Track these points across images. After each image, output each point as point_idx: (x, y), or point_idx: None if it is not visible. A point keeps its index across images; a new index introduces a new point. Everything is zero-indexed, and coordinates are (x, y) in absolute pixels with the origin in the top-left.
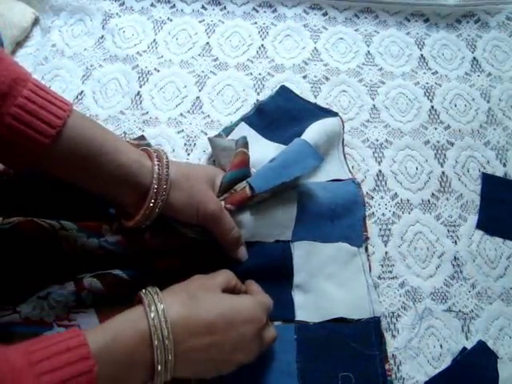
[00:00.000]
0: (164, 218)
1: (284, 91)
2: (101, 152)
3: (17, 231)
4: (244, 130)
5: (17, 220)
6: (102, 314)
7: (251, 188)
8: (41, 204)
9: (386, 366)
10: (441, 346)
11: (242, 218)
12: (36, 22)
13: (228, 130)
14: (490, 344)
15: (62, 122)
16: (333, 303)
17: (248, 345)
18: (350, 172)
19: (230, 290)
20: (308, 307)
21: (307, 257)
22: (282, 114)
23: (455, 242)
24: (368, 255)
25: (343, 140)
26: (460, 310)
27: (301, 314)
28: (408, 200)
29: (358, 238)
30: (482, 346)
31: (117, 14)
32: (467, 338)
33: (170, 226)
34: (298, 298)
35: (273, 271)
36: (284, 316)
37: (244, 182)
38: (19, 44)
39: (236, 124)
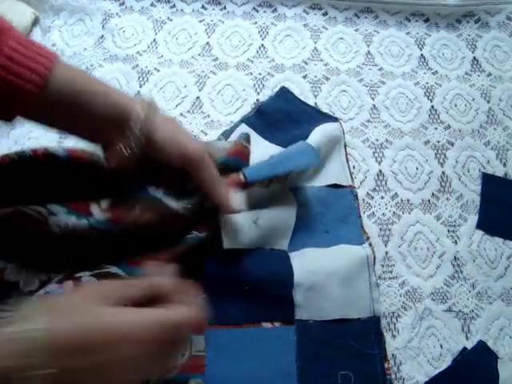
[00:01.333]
0: (153, 196)
1: (284, 92)
2: (91, 95)
3: (5, 223)
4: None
5: (4, 211)
6: None
7: (244, 176)
8: (27, 190)
9: (386, 365)
10: (441, 346)
11: (243, 226)
12: (36, 21)
13: (227, 133)
14: (490, 344)
15: (48, 71)
16: (333, 302)
17: (142, 364)
18: (351, 177)
19: (134, 301)
20: (308, 305)
21: (308, 257)
22: (282, 116)
23: (455, 242)
24: (373, 248)
25: (345, 144)
26: (460, 310)
27: (300, 313)
28: (408, 200)
29: (358, 238)
30: (482, 346)
31: (117, 13)
32: (467, 338)
33: (159, 202)
34: (298, 296)
35: (273, 272)
36: (284, 317)
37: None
38: None
39: (236, 125)
